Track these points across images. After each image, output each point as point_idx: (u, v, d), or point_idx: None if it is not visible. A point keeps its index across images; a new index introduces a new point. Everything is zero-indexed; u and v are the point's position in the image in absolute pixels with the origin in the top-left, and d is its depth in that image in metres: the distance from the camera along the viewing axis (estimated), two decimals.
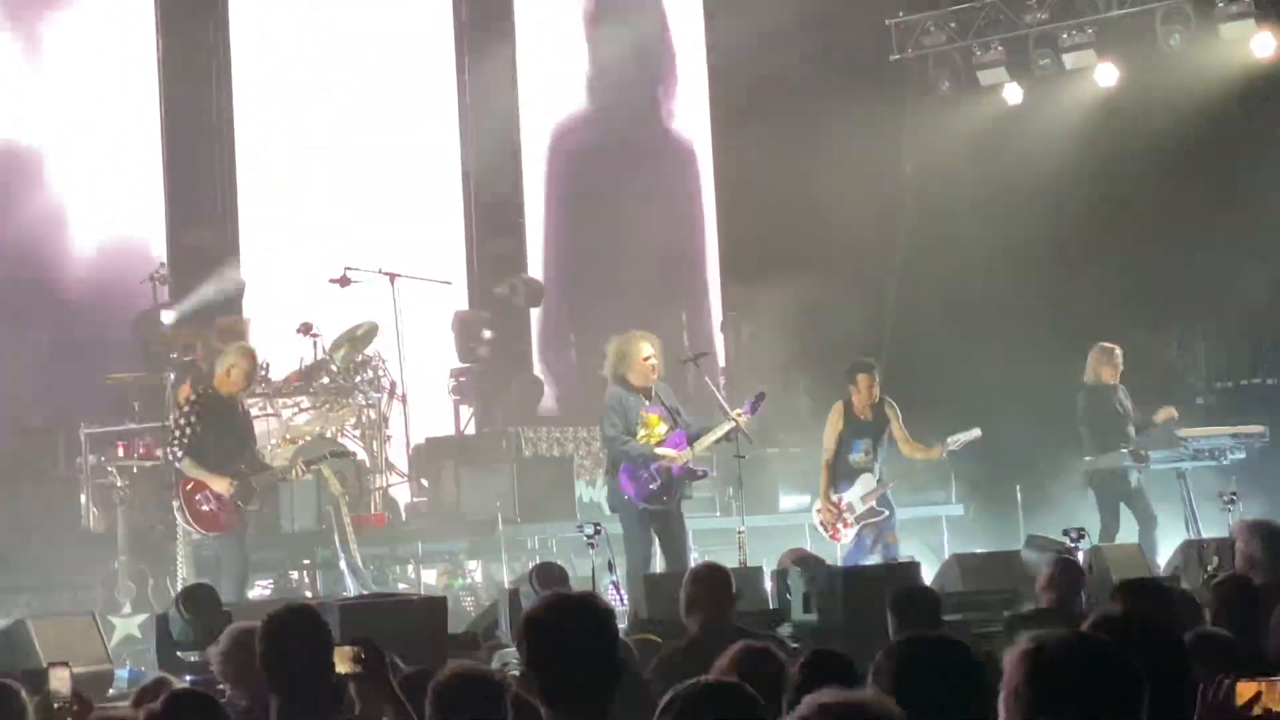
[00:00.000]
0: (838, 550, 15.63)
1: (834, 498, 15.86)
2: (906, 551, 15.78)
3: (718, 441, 14.77)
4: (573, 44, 22.46)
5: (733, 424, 14.62)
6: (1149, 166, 19.61)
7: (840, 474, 15.90)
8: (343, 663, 6.59)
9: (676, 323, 20.85)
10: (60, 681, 8.33)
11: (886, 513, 15.90)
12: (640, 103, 22.85)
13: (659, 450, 14.36)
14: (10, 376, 17.25)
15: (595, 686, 5.10)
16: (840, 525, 15.82)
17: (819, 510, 16.04)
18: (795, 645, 9.81)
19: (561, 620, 5.18)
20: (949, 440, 16.30)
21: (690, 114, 23.05)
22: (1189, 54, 19.72)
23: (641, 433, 14.44)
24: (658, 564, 14.31)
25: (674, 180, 22.98)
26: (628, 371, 14.56)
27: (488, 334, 20.10)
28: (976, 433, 16.35)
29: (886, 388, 16.24)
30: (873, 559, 15.47)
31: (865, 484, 15.84)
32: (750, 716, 4.62)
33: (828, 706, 3.78)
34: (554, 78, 22.22)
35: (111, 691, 10.85)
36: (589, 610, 5.28)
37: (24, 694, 7.61)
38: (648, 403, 14.54)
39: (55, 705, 8.18)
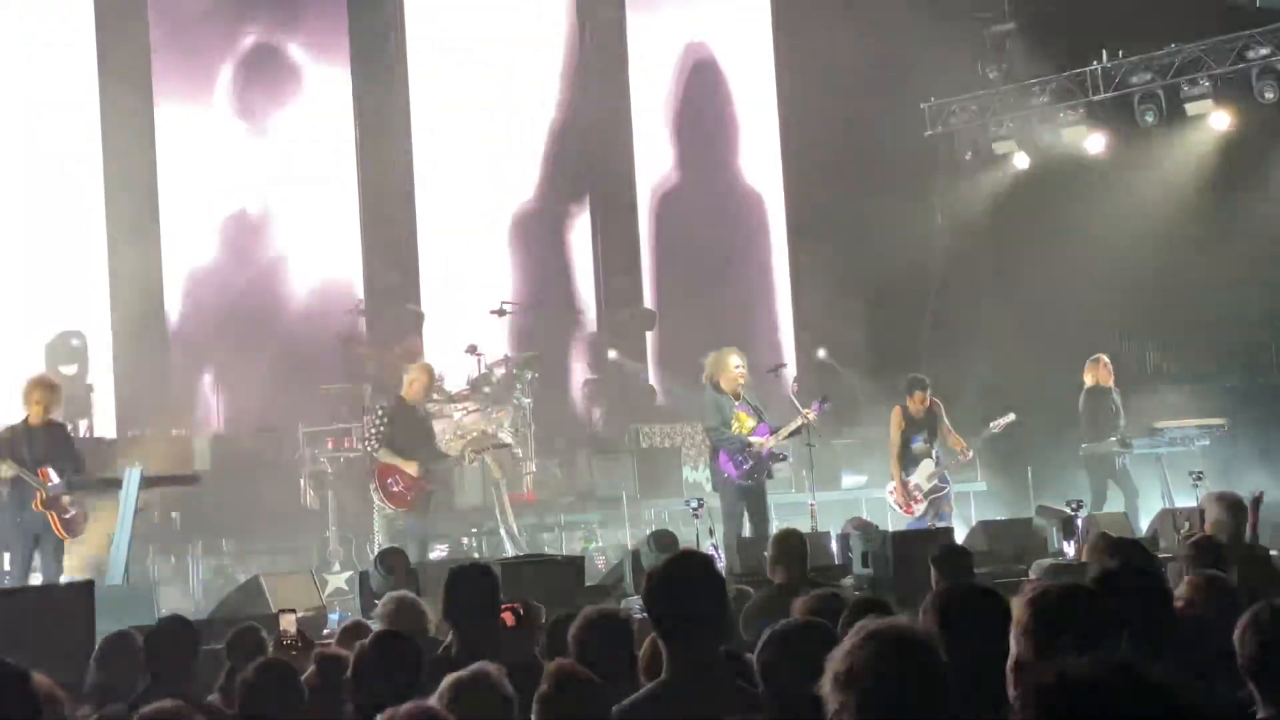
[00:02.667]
0: (916, 521, 15.58)
1: (904, 479, 15.85)
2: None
3: (791, 434, 14.73)
4: (669, 103, 22.40)
5: (803, 420, 14.61)
6: (1131, 216, 19.50)
7: (906, 462, 15.89)
8: (507, 617, 6.63)
9: (760, 341, 20.77)
10: (288, 623, 8.39)
11: (946, 487, 15.91)
12: (722, 168, 22.81)
13: (751, 439, 14.35)
14: (247, 389, 17.40)
15: (706, 626, 5.10)
16: (913, 502, 15.81)
17: (893, 492, 16.01)
18: (856, 593, 9.79)
19: (683, 573, 5.18)
20: (991, 425, 16.27)
21: (763, 169, 22.97)
22: (1161, 129, 19.62)
23: (734, 426, 14.43)
24: (746, 530, 14.29)
25: (750, 222, 22.90)
26: (720, 378, 14.57)
27: (613, 353, 20.13)
28: (1012, 416, 16.32)
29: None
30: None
31: (926, 468, 15.83)
32: (826, 647, 4.62)
33: (875, 631, 3.78)
34: (658, 138, 22.20)
35: (325, 631, 10.90)
36: (703, 566, 5.28)
37: (263, 632, 7.70)
38: (737, 402, 14.54)
39: (284, 642, 8.25)
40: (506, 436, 17.51)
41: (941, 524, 15.26)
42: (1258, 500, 10.68)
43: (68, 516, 12.59)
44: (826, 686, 3.72)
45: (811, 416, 14.65)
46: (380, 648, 5.38)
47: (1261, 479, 15.48)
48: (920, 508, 15.76)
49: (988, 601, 4.77)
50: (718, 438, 14.47)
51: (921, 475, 15.84)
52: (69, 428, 13.94)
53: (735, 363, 14.63)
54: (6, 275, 17.20)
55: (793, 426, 14.62)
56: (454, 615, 6.41)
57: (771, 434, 14.46)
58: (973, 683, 4.40)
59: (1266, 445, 17.23)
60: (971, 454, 16.12)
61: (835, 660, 3.75)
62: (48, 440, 12.70)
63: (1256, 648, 4.53)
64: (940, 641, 4.29)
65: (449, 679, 4.61)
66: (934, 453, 15.87)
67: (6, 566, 13.26)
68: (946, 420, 16.01)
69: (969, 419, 16.65)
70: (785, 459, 15.01)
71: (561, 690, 4.61)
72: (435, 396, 16.43)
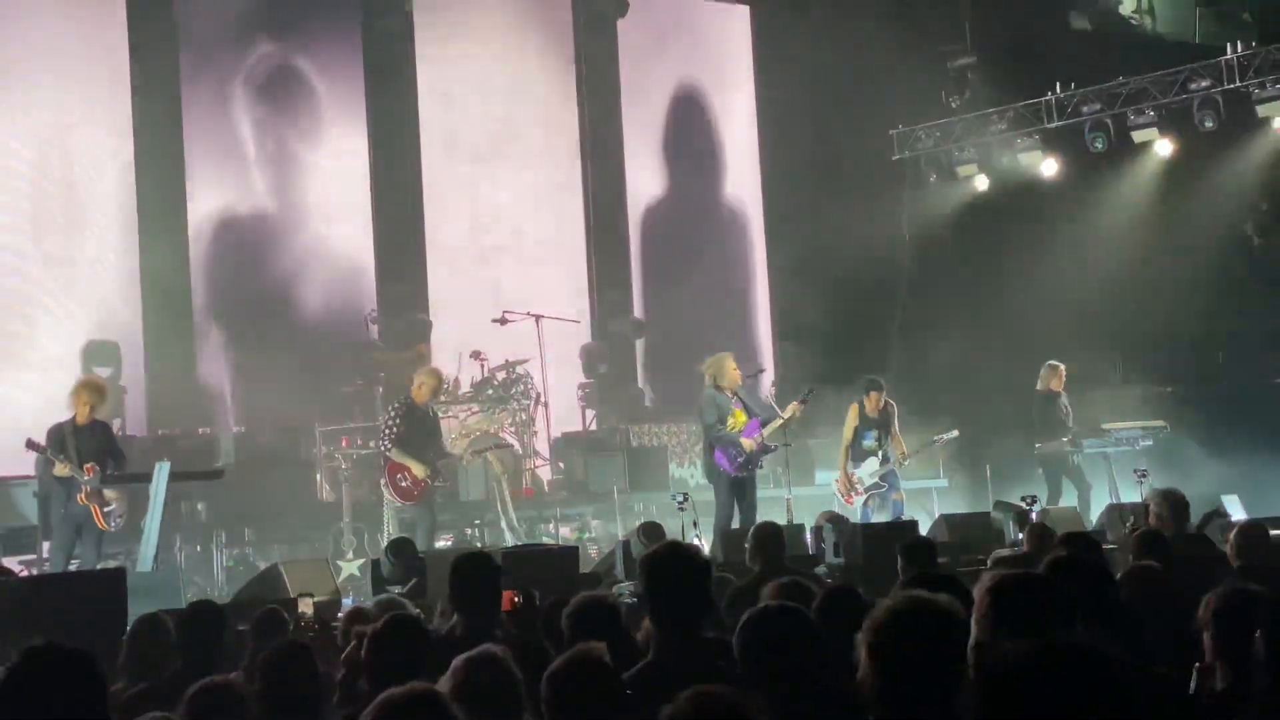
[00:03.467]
0: (855, 511, 15.62)
1: (849, 472, 15.91)
2: (908, 514, 15.77)
3: (778, 428, 14.75)
4: (658, 131, 22.43)
5: (787, 416, 14.66)
6: (1082, 234, 19.60)
7: (855, 456, 15.96)
8: (506, 602, 6.65)
9: (740, 347, 20.80)
10: (306, 607, 8.40)
11: (886, 486, 15.90)
12: (707, 182, 22.84)
13: (742, 439, 14.41)
14: (267, 389, 17.38)
15: (690, 609, 5.14)
16: (852, 494, 15.87)
17: (836, 481, 16.10)
18: (829, 580, 9.81)
19: (672, 560, 5.22)
20: (934, 438, 16.37)
21: (744, 190, 22.99)
22: (1109, 155, 19.71)
23: (730, 421, 14.50)
24: (735, 520, 14.32)
25: (733, 239, 22.94)
26: (721, 379, 14.66)
27: (603, 368, 20.15)
28: (955, 432, 16.42)
29: (895, 392, 16.36)
30: (881, 517, 15.49)
31: (871, 464, 15.88)
32: (795, 630, 4.67)
33: (898, 602, 3.89)
34: (648, 163, 22.23)
35: (340, 615, 10.90)
36: (690, 554, 5.33)
37: (285, 614, 7.71)
38: (733, 400, 14.62)
39: (302, 624, 8.26)
40: (508, 436, 17.54)
41: (891, 516, 15.39)
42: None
43: (108, 509, 12.66)
44: (860, 653, 3.79)
45: (798, 410, 14.72)
46: (391, 630, 5.40)
47: (1200, 475, 15.61)
48: (858, 500, 15.82)
49: (948, 588, 4.80)
50: (714, 435, 14.52)
51: (865, 470, 15.92)
52: (113, 426, 13.97)
53: (733, 365, 14.82)
54: (50, 284, 17.20)
55: (776, 424, 14.69)
56: (459, 600, 6.43)
57: (761, 427, 14.53)
58: None
59: (1205, 444, 17.28)
60: (908, 461, 16.12)
61: (865, 630, 3.82)
62: (93, 438, 12.77)
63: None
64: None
65: (459, 659, 4.64)
66: (881, 452, 15.93)
67: (46, 554, 13.29)
68: (897, 424, 16.08)
69: (929, 423, 16.76)
70: (775, 449, 15.03)
71: (574, 670, 4.61)
72: (442, 398, 16.44)
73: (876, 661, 3.75)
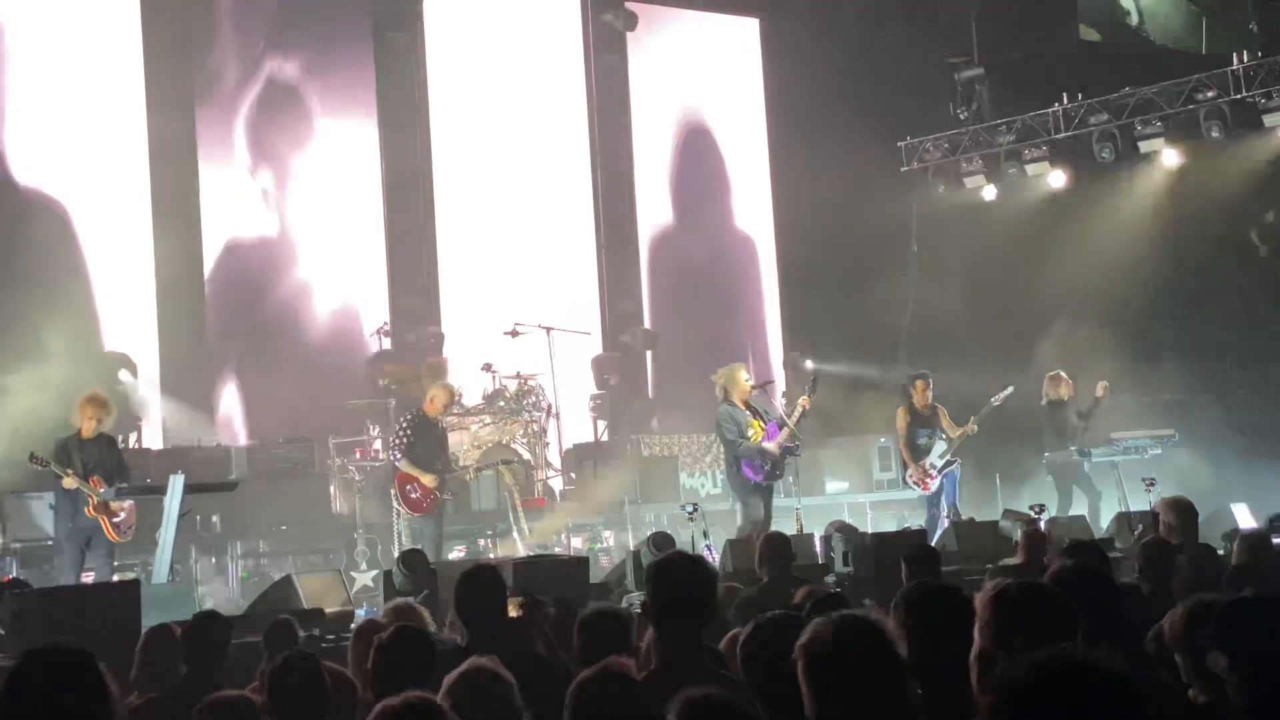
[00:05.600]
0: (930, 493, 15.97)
1: (918, 463, 16.05)
2: (915, 524, 15.80)
3: (796, 423, 14.68)
4: (669, 149, 22.43)
5: (800, 409, 14.61)
6: (1089, 245, 19.56)
7: (917, 454, 16.09)
8: (511, 608, 6.63)
9: (750, 358, 20.79)
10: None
11: (958, 461, 16.11)
12: (717, 205, 22.84)
13: (764, 446, 14.36)
14: (281, 402, 17.39)
15: (692, 618, 5.14)
16: (927, 479, 16.00)
17: (910, 476, 16.20)
18: (837, 589, 9.76)
19: (677, 568, 5.24)
20: (992, 399, 16.40)
21: (755, 204, 22.99)
22: (1116, 165, 19.68)
23: (750, 432, 14.46)
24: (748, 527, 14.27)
25: (743, 250, 22.93)
26: (733, 391, 14.62)
27: (614, 379, 20.13)
28: (1010, 389, 16.51)
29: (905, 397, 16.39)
30: (947, 491, 15.88)
31: (939, 448, 16.11)
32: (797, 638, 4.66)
33: (828, 619, 3.86)
34: (658, 178, 22.23)
35: (353, 626, 10.89)
36: (696, 564, 5.35)
37: (297, 625, 7.70)
38: (748, 411, 14.59)
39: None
40: (519, 448, 17.52)
41: (948, 503, 15.72)
42: None
43: (117, 520, 12.66)
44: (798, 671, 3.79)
45: (807, 403, 14.71)
46: (397, 642, 5.39)
47: (1209, 484, 15.58)
48: (935, 483, 15.97)
49: (951, 597, 4.79)
50: (737, 450, 14.46)
51: (935, 454, 16.07)
52: (118, 440, 13.96)
53: (744, 376, 14.77)
54: (72, 299, 17.23)
55: (796, 415, 14.64)
56: (465, 612, 6.42)
57: (780, 429, 14.51)
58: (938, 671, 4.42)
59: (1213, 453, 17.25)
60: (975, 428, 16.16)
61: (796, 647, 3.80)
62: (98, 451, 12.77)
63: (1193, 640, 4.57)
64: (906, 634, 4.32)
65: (453, 672, 4.65)
66: (935, 447, 16.11)
67: (60, 565, 13.28)
68: (948, 418, 16.21)
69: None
70: (797, 450, 14.93)
71: (597, 683, 4.60)
72: (454, 411, 16.42)
73: (812, 686, 3.75)
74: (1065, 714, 2.85)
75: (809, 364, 20.89)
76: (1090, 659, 2.93)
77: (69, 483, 12.43)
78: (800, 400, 14.78)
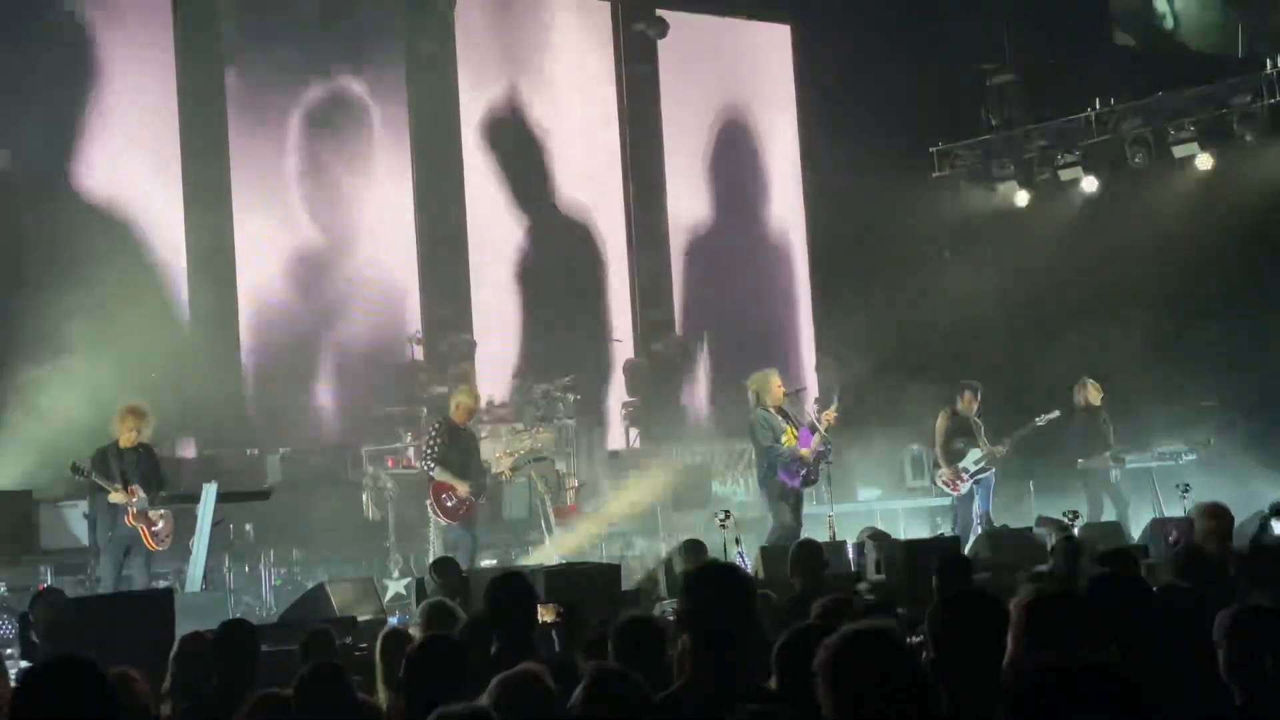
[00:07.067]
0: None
1: (952, 466, 16.10)
2: (947, 530, 15.76)
3: (827, 429, 14.66)
4: (701, 155, 22.42)
5: (826, 423, 14.65)
6: (1123, 251, 19.47)
7: (951, 458, 16.13)
8: (547, 614, 6.63)
9: (781, 367, 20.76)
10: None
11: (992, 470, 16.16)
12: (749, 212, 22.83)
13: (800, 450, 14.37)
14: (315, 410, 17.43)
15: (730, 628, 5.11)
16: (957, 482, 16.07)
17: (942, 475, 16.23)
18: (870, 597, 9.74)
19: (716, 579, 5.23)
20: (1037, 419, 16.52)
21: (787, 209, 22.97)
22: (1148, 169, 19.59)
23: (784, 438, 14.44)
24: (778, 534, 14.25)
25: (775, 259, 22.91)
26: (767, 397, 14.60)
27: (646, 386, 20.12)
28: (1056, 413, 16.64)
29: (937, 403, 16.37)
30: (980, 498, 15.97)
31: (975, 454, 16.14)
32: None
33: (846, 630, 3.86)
34: (690, 185, 22.23)
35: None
36: (734, 573, 5.33)
37: (334, 635, 7.70)
38: (781, 418, 14.56)
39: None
40: (552, 455, 17.51)
41: (979, 511, 15.79)
42: None
43: (155, 529, 12.75)
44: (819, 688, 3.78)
45: (831, 418, 14.73)
46: (428, 650, 5.39)
47: (1244, 490, 15.45)
48: (965, 486, 16.01)
49: (985, 604, 4.76)
50: (774, 456, 14.43)
51: (970, 460, 16.09)
52: (165, 444, 14.10)
53: (778, 382, 14.77)
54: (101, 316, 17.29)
55: (824, 429, 14.63)
56: (494, 620, 6.41)
57: (813, 433, 14.49)
58: (970, 679, 4.39)
59: (1249, 459, 17.15)
60: (1007, 451, 16.23)
61: (816, 664, 3.80)
62: (137, 461, 12.86)
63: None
64: (940, 640, 4.30)
65: (497, 677, 4.63)
66: (976, 449, 16.18)
67: (97, 574, 13.35)
68: (983, 436, 16.24)
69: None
70: (829, 455, 14.89)
71: (602, 687, 4.59)
72: (484, 418, 16.42)
73: (832, 695, 3.74)
74: (1065, 714, 2.84)
75: (835, 375, 20.88)
76: (1090, 660, 2.94)
77: (115, 497, 12.55)
78: (825, 414, 14.77)
